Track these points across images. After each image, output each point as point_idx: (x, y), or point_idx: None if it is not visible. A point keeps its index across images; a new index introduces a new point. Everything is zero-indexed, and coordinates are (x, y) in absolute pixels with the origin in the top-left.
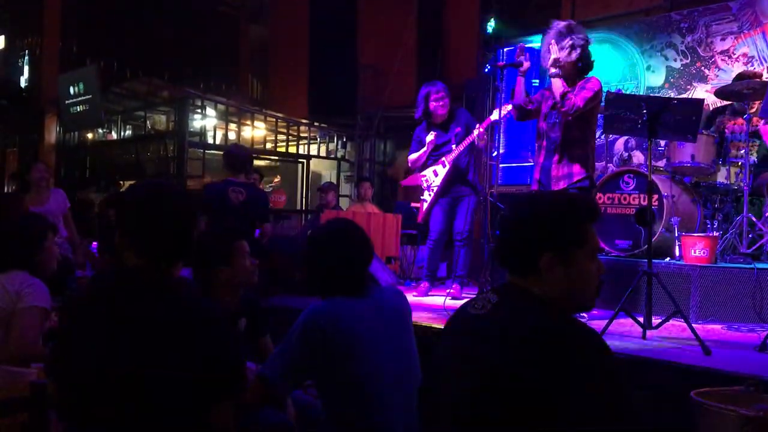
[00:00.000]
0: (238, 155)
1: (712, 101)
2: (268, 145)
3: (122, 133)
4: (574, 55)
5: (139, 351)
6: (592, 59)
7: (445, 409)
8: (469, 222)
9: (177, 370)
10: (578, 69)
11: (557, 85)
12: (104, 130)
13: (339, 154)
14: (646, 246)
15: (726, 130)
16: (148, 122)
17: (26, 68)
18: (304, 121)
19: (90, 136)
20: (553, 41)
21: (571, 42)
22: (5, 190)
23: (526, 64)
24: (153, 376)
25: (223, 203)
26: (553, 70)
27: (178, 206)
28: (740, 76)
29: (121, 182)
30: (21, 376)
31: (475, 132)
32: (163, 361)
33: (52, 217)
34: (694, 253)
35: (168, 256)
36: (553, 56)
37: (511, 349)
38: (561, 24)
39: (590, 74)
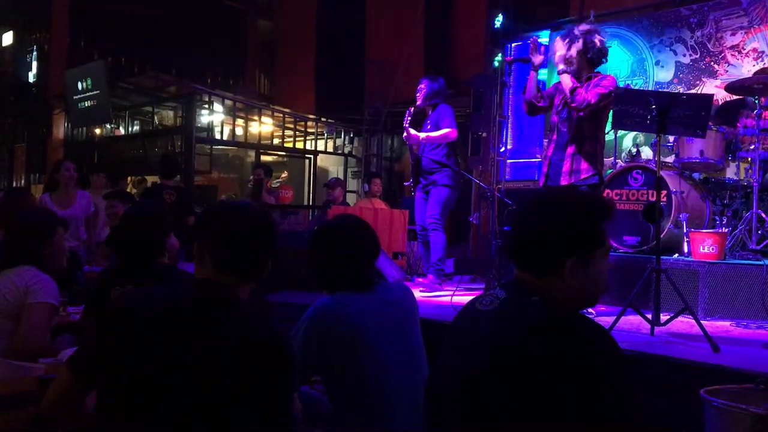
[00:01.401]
0: (171, 163)
1: (721, 96)
2: (275, 141)
3: (130, 129)
4: (583, 51)
5: (196, 362)
6: (604, 56)
7: (451, 405)
8: (439, 209)
9: (226, 387)
10: (588, 64)
11: (566, 81)
12: (112, 126)
13: (346, 150)
14: (654, 242)
15: (738, 125)
16: (155, 118)
17: (34, 64)
18: (311, 116)
19: (98, 131)
20: (563, 39)
21: (581, 40)
22: (15, 184)
23: (539, 59)
24: (200, 388)
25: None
26: (561, 67)
27: (266, 226)
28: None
29: (129, 178)
30: (29, 371)
31: (405, 134)
32: (216, 375)
33: (76, 219)
34: (703, 249)
35: (247, 273)
36: (559, 53)
37: (519, 345)
38: (574, 26)
39: (602, 71)
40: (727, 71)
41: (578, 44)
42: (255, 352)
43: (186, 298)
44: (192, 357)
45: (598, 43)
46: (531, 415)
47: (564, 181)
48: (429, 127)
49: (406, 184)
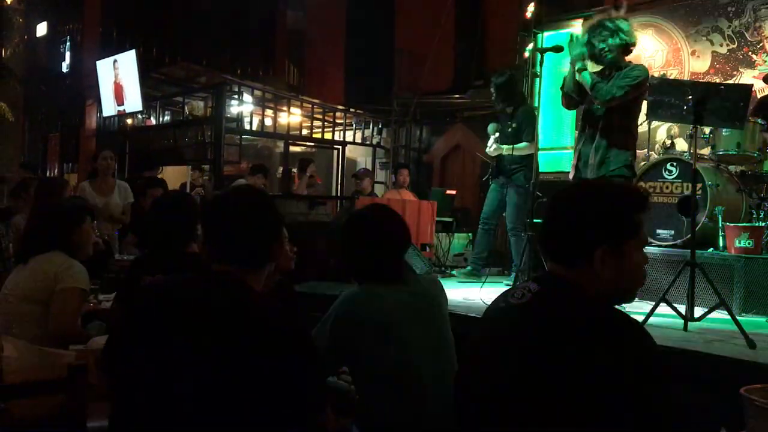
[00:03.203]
0: (149, 158)
1: (759, 87)
2: (304, 132)
3: (161, 119)
4: (608, 41)
5: (210, 357)
6: (630, 42)
7: (481, 398)
8: (517, 213)
9: (244, 382)
10: (619, 51)
11: (585, 77)
12: (143, 116)
13: (374, 141)
14: (688, 236)
15: None
16: (186, 108)
17: (67, 54)
18: (340, 107)
19: (129, 121)
20: (577, 35)
21: (602, 28)
22: (48, 173)
23: (576, 53)
24: (217, 385)
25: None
26: (578, 65)
27: (255, 211)
28: None
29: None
30: (59, 357)
31: (506, 152)
32: (232, 369)
33: (115, 208)
34: (739, 243)
35: (246, 261)
36: (576, 50)
37: (554, 339)
38: (594, 19)
39: (633, 60)
40: (765, 61)
41: (604, 35)
42: (263, 340)
43: (195, 290)
44: (202, 348)
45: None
46: (565, 409)
47: (593, 173)
48: (510, 129)
49: (449, 192)
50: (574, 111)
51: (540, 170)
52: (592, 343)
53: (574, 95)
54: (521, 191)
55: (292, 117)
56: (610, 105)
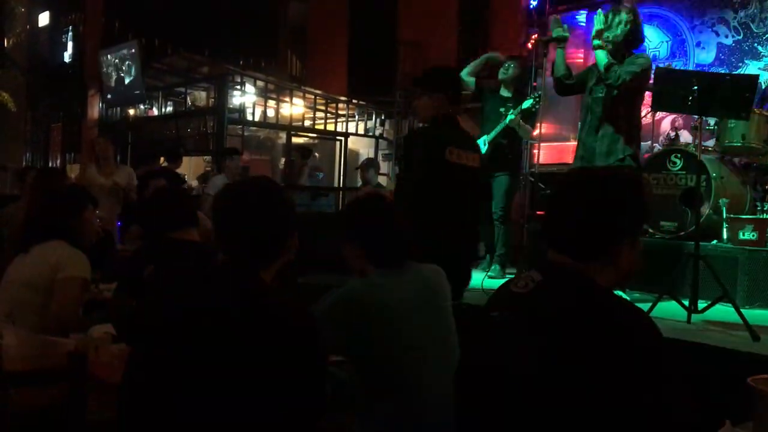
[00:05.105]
0: (175, 150)
1: (765, 79)
2: (307, 122)
3: (163, 109)
4: (621, 29)
5: (220, 349)
6: (642, 36)
7: (486, 389)
8: (503, 201)
9: (252, 375)
10: (626, 43)
11: (600, 56)
12: (145, 106)
13: (377, 132)
14: (692, 228)
15: None
16: (188, 98)
17: (70, 44)
18: (342, 98)
19: (132, 111)
20: (601, 13)
21: (618, 15)
22: (50, 164)
23: (565, 36)
24: (225, 378)
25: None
26: (596, 42)
27: (257, 208)
28: None
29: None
30: (59, 346)
31: (510, 116)
32: (241, 362)
33: (118, 189)
34: (743, 236)
35: (250, 256)
36: (597, 27)
37: (560, 329)
38: (615, 3)
39: (639, 50)
40: None
41: (619, 22)
42: (272, 333)
43: (207, 281)
44: (211, 340)
45: (639, 24)
46: (571, 399)
47: (599, 163)
48: (504, 110)
49: None
50: (576, 103)
51: (542, 162)
52: (604, 333)
53: (564, 80)
54: (511, 179)
55: (294, 108)
56: (620, 89)
